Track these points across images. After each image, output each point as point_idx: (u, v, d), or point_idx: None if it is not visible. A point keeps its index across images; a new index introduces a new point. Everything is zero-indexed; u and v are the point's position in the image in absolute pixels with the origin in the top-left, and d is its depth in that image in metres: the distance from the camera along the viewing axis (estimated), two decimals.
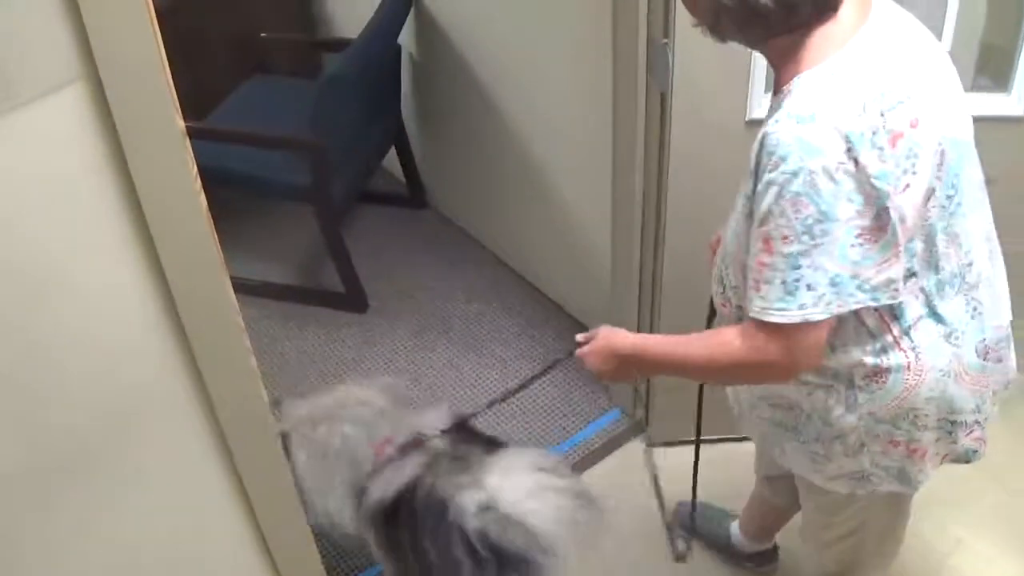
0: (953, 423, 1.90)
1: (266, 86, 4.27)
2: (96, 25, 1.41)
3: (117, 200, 1.57)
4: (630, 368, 2.02)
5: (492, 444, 2.44)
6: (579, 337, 2.10)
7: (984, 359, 1.87)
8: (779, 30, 1.65)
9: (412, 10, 3.85)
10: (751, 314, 1.71)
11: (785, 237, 1.61)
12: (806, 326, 1.66)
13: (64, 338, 1.60)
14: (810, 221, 1.58)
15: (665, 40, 2.47)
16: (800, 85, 1.65)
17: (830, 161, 1.56)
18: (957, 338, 1.83)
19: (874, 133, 1.58)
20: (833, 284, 1.62)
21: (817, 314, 1.64)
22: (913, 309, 1.78)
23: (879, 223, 1.61)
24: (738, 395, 2.13)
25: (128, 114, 1.50)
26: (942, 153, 1.70)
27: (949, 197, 1.75)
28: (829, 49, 1.65)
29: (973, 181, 1.82)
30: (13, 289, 1.50)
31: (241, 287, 4.01)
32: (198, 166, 1.64)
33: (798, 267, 1.62)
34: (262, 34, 4.32)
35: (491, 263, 4.13)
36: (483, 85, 3.68)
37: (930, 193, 1.70)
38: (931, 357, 1.81)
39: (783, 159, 1.58)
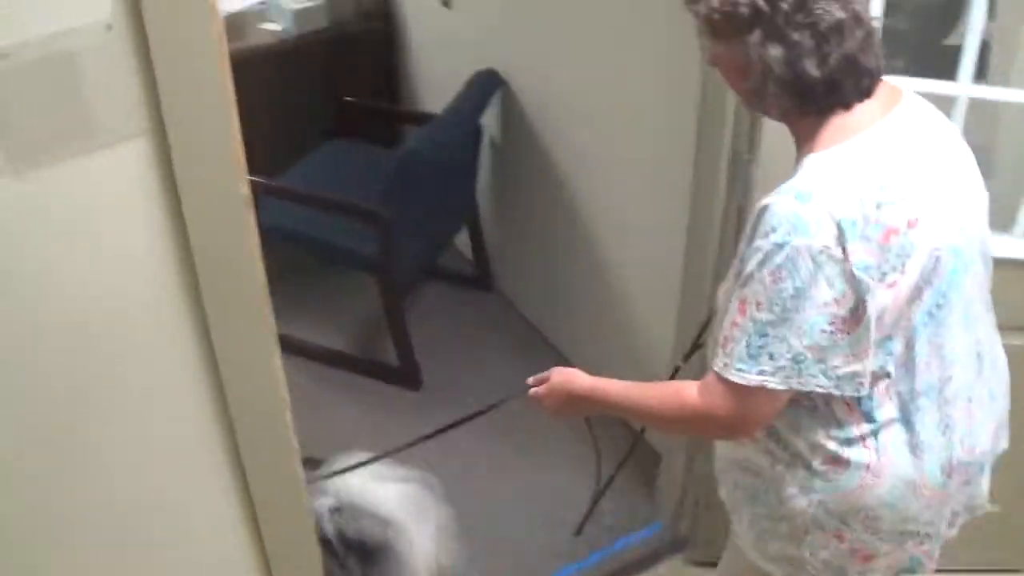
0: (903, 533, 1.87)
1: (345, 150, 4.28)
2: (168, 84, 1.39)
3: (172, 256, 1.55)
4: (584, 408, 2.09)
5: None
6: (531, 380, 2.15)
7: (948, 477, 1.84)
8: (818, 105, 1.70)
9: (498, 93, 3.84)
10: (713, 368, 1.74)
11: (759, 303, 1.66)
12: (761, 391, 1.69)
13: (102, 383, 1.58)
14: (785, 295, 1.63)
15: (748, 156, 2.44)
16: (808, 164, 1.69)
17: (816, 243, 1.60)
18: (923, 451, 1.80)
19: (866, 224, 1.62)
20: (796, 361, 1.66)
21: (774, 383, 1.68)
22: (886, 411, 1.78)
23: (855, 315, 1.64)
24: (718, 458, 2.10)
25: (191, 175, 1.49)
26: (938, 259, 1.71)
27: (939, 306, 1.75)
28: (847, 133, 1.69)
29: (972, 295, 1.80)
30: (53, 318, 1.49)
31: (293, 347, 4.01)
32: (268, 223, 1.61)
33: (765, 335, 1.66)
34: (346, 98, 4.34)
35: (551, 356, 4.02)
36: (561, 176, 3.65)
37: (916, 295, 1.71)
38: (893, 463, 1.80)
39: (773, 229, 1.63)
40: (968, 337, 1.81)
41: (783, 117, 1.78)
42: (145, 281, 1.55)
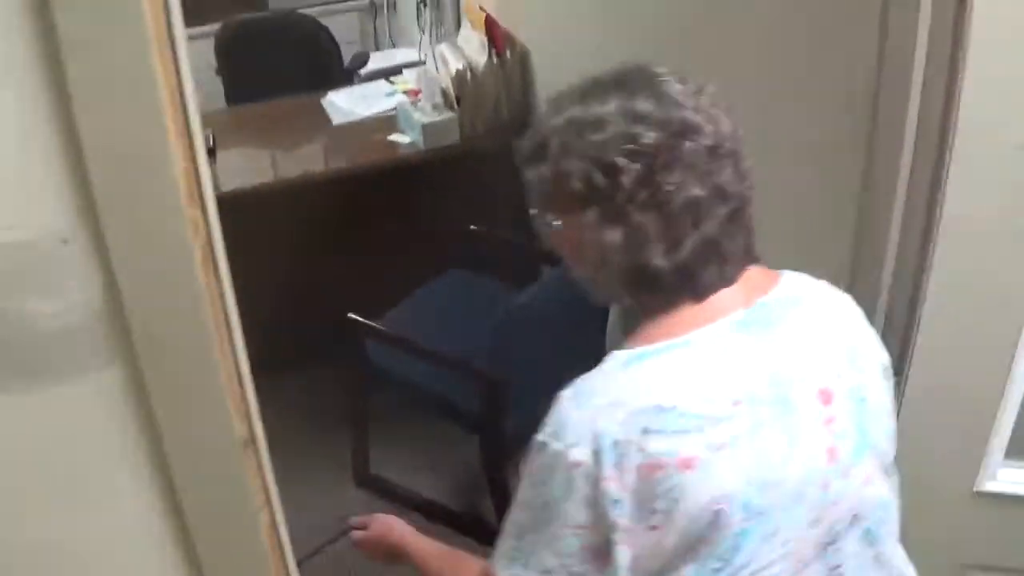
0: None
1: (467, 284, 3.93)
2: (139, 306, 1.10)
3: (158, 505, 1.26)
4: (399, 559, 1.91)
5: None
6: (353, 521, 2.00)
7: None
8: (667, 297, 1.44)
9: None
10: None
11: (520, 501, 1.47)
12: None
13: None
14: (539, 502, 1.42)
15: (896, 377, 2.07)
16: (609, 360, 1.43)
17: (572, 455, 1.36)
18: None
19: (626, 452, 1.34)
20: None
21: None
22: None
23: (604, 550, 1.38)
24: None
25: (172, 412, 1.19)
26: (718, 513, 1.36)
27: (716, 571, 1.39)
28: (676, 330, 1.42)
29: (784, 569, 1.43)
30: None
31: (388, 492, 3.66)
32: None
33: (522, 538, 1.46)
34: (472, 226, 3.95)
35: None
36: None
37: (688, 549, 1.38)
38: None
39: (546, 424, 1.42)
40: None
41: (635, 304, 1.50)
42: (129, 528, 1.28)
